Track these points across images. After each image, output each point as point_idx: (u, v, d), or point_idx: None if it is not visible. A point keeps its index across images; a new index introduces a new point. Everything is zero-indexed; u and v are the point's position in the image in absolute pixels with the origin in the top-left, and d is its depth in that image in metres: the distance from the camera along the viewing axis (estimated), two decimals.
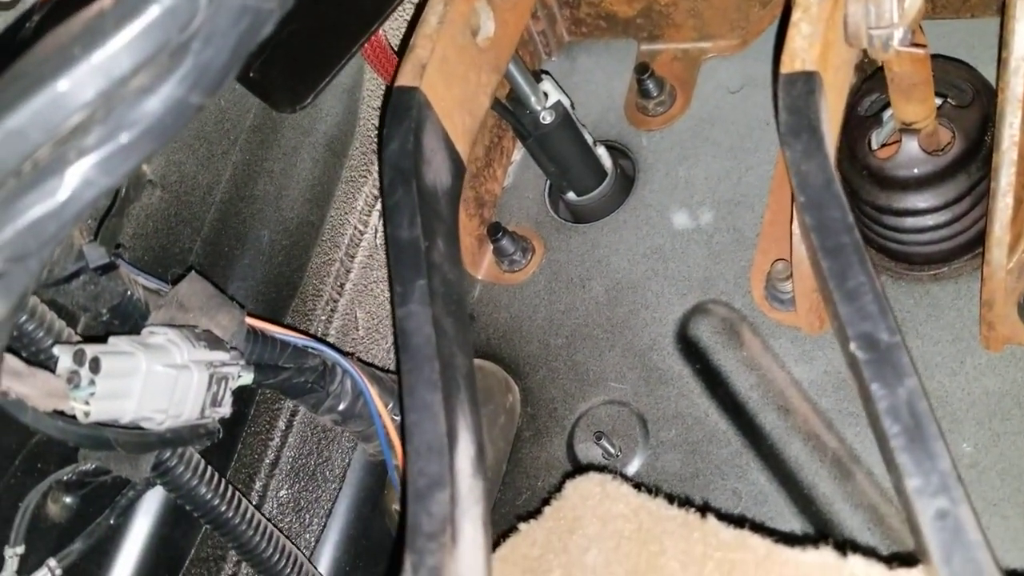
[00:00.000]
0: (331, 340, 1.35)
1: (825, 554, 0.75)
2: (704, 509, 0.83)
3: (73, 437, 0.82)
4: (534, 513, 0.97)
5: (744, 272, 1.24)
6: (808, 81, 0.76)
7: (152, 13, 0.44)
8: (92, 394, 0.81)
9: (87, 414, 0.82)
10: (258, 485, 1.27)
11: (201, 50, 0.46)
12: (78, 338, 0.90)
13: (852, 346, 0.65)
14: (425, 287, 0.86)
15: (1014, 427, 1.02)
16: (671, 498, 0.87)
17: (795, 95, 0.76)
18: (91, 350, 0.82)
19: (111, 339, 0.87)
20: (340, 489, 1.35)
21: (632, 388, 1.24)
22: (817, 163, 0.72)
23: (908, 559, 0.74)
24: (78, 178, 0.45)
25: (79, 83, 0.44)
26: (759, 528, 0.81)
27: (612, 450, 1.20)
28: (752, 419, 1.15)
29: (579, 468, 1.21)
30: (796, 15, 0.79)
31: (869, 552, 0.75)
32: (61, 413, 0.81)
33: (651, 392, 1.23)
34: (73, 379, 0.81)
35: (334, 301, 1.37)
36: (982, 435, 1.03)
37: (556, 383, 1.30)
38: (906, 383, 0.63)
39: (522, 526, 0.94)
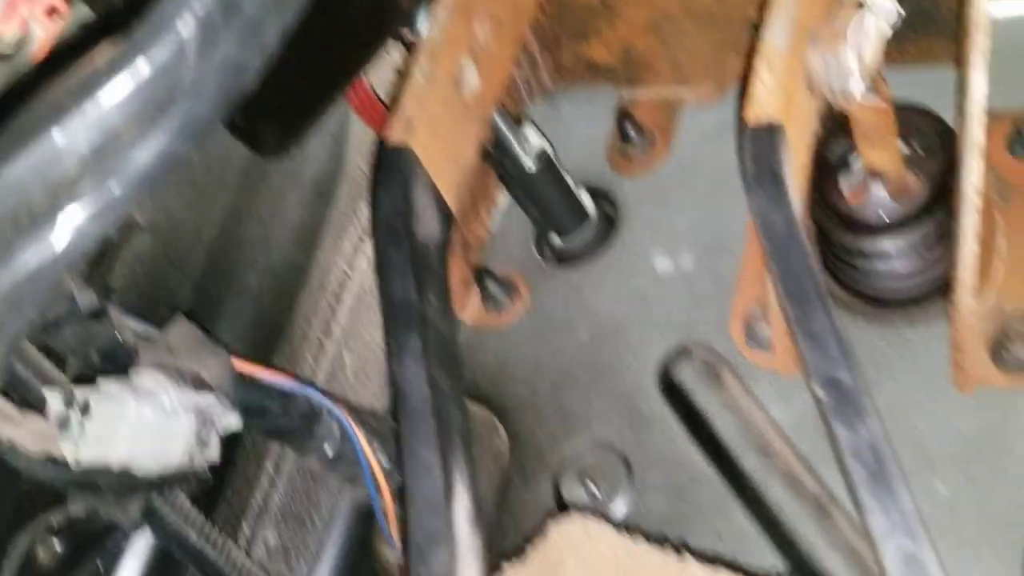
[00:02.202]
0: (319, 383, 1.37)
1: None
2: (682, 549, 0.85)
3: (63, 481, 0.84)
4: (518, 552, 0.98)
5: (724, 315, 1.26)
6: (771, 132, 0.79)
7: (142, 70, 0.47)
8: (82, 438, 0.83)
9: (77, 459, 0.83)
10: (246, 529, 1.27)
11: (188, 103, 0.49)
12: (67, 381, 0.92)
13: (816, 388, 0.67)
14: (419, 344, 0.89)
15: (988, 468, 1.04)
16: (651, 538, 0.89)
17: (759, 145, 0.79)
18: (81, 394, 0.84)
19: (100, 383, 0.88)
20: (328, 534, 1.36)
21: (617, 431, 1.26)
22: (781, 212, 0.75)
23: None
24: (72, 227, 0.48)
25: (73, 136, 0.47)
26: (735, 567, 0.82)
27: (597, 493, 1.21)
28: (734, 461, 1.17)
29: (564, 510, 1.22)
30: (759, 66, 0.82)
31: None
32: (51, 458, 0.83)
33: (635, 435, 1.24)
34: (64, 423, 0.83)
35: (321, 344, 1.38)
36: (957, 477, 1.05)
37: (543, 426, 1.31)
38: (868, 424, 0.65)
39: (507, 568, 0.96)
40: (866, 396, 0.66)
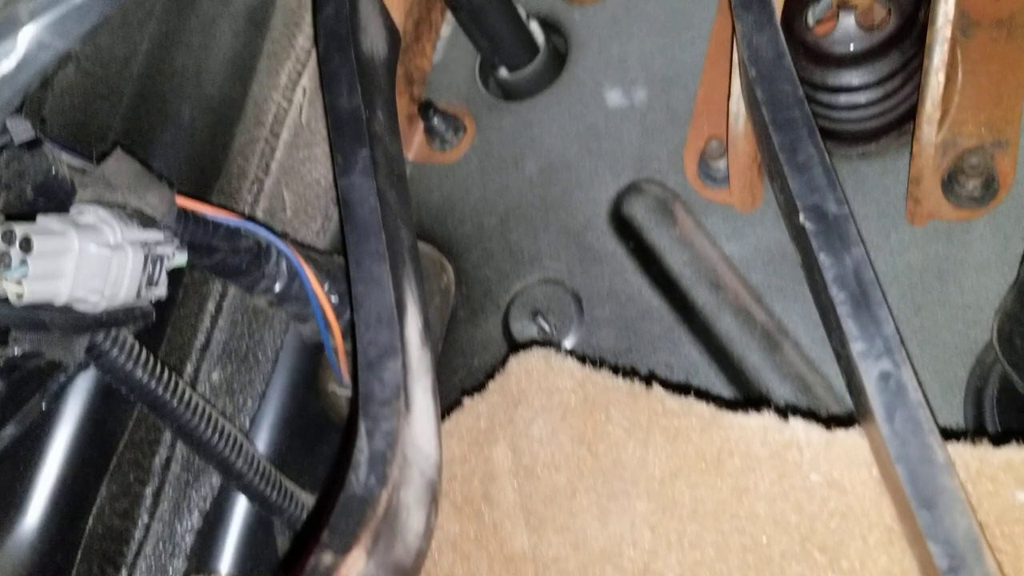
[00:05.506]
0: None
1: (767, 418, 0.79)
2: (650, 379, 0.86)
3: (6, 319, 0.80)
4: (478, 388, 0.98)
5: (678, 150, 1.24)
6: None
7: None
8: (24, 275, 0.79)
9: (20, 296, 0.79)
10: (189, 368, 1.25)
11: None
12: (2, 217, 0.86)
13: (801, 217, 0.66)
14: (368, 157, 0.85)
15: (934, 299, 1.07)
16: (616, 370, 0.89)
17: None
18: (21, 229, 0.79)
19: (40, 218, 0.83)
20: (273, 371, 1.34)
21: (567, 267, 1.25)
22: (768, 36, 0.72)
23: (843, 421, 0.78)
24: (32, 39, 0.43)
25: None
26: (704, 395, 0.84)
27: (547, 328, 1.22)
28: (684, 295, 1.18)
29: (515, 346, 1.23)
30: None
31: (807, 415, 0.78)
32: None
33: (585, 271, 1.24)
34: (4, 259, 0.78)
35: (260, 181, 1.33)
36: (904, 307, 1.08)
37: (491, 263, 1.30)
38: (853, 252, 0.65)
39: (466, 401, 0.96)
40: (851, 225, 0.66)
